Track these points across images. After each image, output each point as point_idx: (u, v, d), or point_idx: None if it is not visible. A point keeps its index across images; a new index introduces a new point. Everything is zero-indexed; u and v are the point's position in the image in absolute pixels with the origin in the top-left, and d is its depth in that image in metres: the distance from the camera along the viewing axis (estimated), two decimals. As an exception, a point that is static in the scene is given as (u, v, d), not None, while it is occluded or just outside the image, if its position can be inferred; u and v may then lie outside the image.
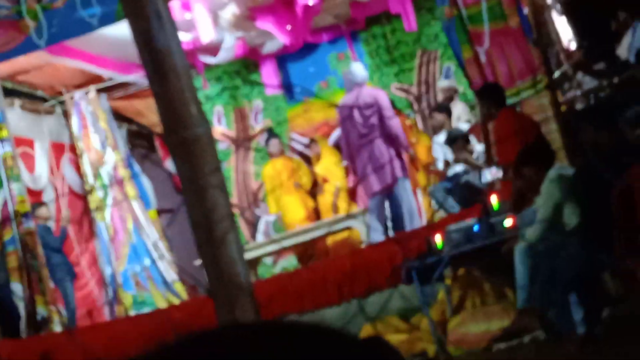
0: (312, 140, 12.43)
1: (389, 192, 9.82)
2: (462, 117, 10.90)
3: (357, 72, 10.06)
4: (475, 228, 7.01)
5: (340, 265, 7.97)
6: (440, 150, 10.34)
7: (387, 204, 10.00)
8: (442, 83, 12.00)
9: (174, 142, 3.12)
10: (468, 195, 9.44)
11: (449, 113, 10.63)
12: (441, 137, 10.42)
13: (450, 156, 10.01)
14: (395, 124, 9.91)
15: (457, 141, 9.77)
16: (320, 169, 12.06)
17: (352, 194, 12.02)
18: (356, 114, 9.71)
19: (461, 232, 7.03)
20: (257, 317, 3.07)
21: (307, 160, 12.51)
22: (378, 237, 9.77)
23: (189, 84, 3.16)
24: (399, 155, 9.88)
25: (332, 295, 7.85)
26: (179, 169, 3.11)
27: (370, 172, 9.71)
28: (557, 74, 9.16)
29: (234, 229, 3.02)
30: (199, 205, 3.04)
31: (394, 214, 10.00)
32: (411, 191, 9.99)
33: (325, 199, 11.98)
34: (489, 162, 8.34)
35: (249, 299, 2.97)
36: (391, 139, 9.85)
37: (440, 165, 10.34)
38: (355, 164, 10.03)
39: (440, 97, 12.11)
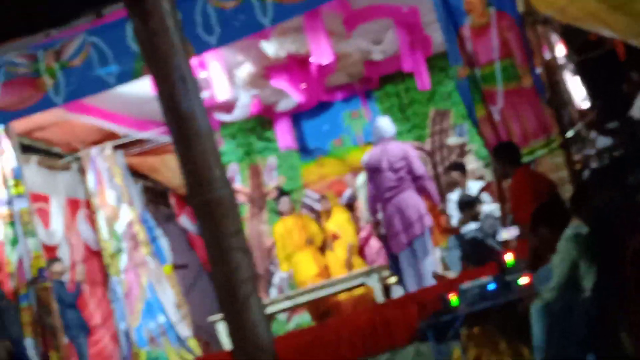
0: (323, 197, 12.44)
1: (410, 245, 9.73)
2: (475, 172, 10.92)
3: (384, 127, 10.12)
4: (491, 286, 7.01)
5: (356, 322, 7.94)
6: (454, 208, 10.34)
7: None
8: (452, 140, 12.05)
9: (197, 204, 3.17)
10: (482, 253, 9.42)
11: (463, 171, 10.66)
12: (455, 194, 10.44)
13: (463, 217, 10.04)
14: (427, 178, 9.95)
15: (467, 207, 9.82)
16: (331, 225, 12.04)
17: (360, 252, 11.99)
18: (386, 168, 9.74)
19: (476, 290, 7.02)
20: (278, 378, 3.09)
21: (318, 216, 12.51)
22: None
23: (213, 147, 3.22)
24: (426, 209, 9.85)
25: (347, 353, 7.81)
26: (203, 231, 3.15)
27: (399, 226, 9.66)
28: (570, 133, 9.19)
29: (257, 290, 3.06)
30: (222, 267, 3.08)
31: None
32: (432, 247, 9.93)
33: (335, 256, 11.93)
34: (504, 220, 8.34)
35: (271, 360, 3.00)
36: (421, 193, 9.86)
37: (455, 222, 10.33)
38: (382, 218, 9.97)
39: (452, 155, 12.15)
